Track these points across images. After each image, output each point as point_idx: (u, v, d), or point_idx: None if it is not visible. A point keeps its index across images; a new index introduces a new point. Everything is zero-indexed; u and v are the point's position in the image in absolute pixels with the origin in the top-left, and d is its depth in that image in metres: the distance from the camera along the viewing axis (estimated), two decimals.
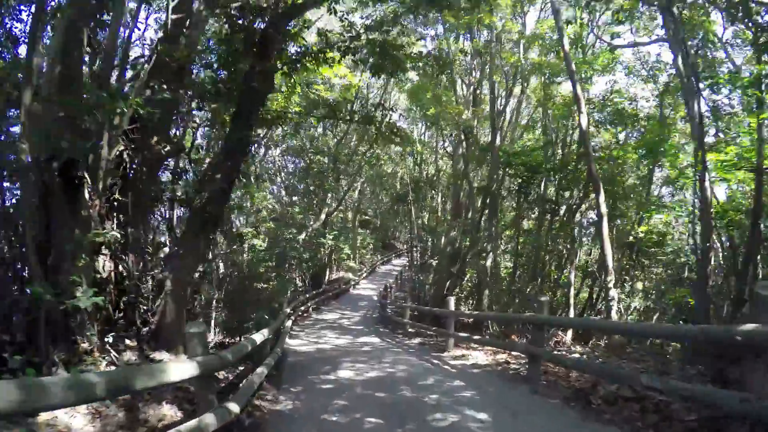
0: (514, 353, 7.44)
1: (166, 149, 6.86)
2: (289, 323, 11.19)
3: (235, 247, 11.09)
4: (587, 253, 17.27)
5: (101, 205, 5.28)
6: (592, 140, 14.42)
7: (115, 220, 5.38)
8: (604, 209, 8.34)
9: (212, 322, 11.14)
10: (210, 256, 11.50)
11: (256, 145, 18.03)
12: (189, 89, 6.05)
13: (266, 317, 10.44)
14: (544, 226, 14.39)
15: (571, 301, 14.29)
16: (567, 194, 14.83)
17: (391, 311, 15.51)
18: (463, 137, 13.59)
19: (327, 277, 26.63)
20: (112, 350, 4.56)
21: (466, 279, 16.31)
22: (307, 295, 17.74)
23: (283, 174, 22.30)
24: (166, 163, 8.08)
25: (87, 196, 4.86)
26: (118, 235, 5.07)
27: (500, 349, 7.34)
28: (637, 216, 12.32)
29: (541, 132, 16.19)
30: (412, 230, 27.80)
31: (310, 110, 8.66)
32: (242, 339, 6.54)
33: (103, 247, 5.25)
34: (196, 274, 10.68)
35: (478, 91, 15.47)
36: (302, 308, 15.79)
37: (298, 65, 6.40)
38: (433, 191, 25.77)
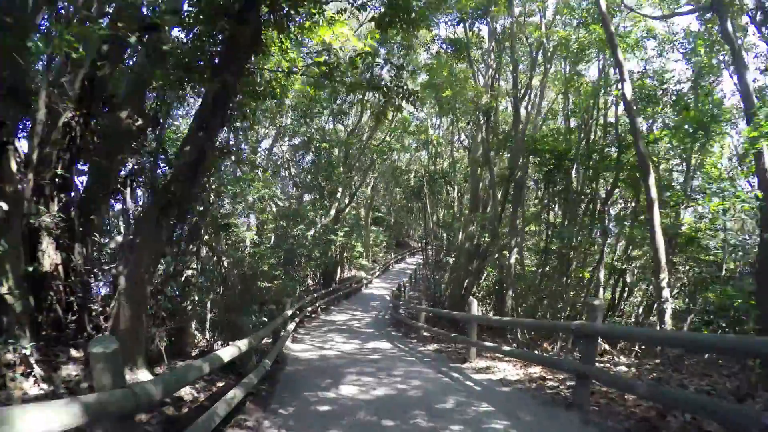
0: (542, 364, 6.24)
1: (137, 123, 5.82)
2: (291, 326, 10.14)
3: (225, 241, 9.97)
4: (611, 250, 15.90)
5: (42, 182, 4.26)
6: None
7: (57, 201, 4.35)
8: (654, 193, 7.06)
9: (207, 324, 10.18)
10: (205, 250, 10.53)
11: (258, 133, 17.08)
12: (159, 50, 4.98)
13: (263, 319, 9.41)
14: (573, 218, 13.12)
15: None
16: (594, 184, 13.60)
17: (405, 312, 14.36)
18: (482, 120, 12.36)
19: (338, 276, 25.62)
20: (35, 364, 3.51)
21: (483, 278, 15.08)
22: (316, 295, 16.68)
23: (292, 168, 21.27)
24: (145, 144, 7.08)
25: (15, 167, 3.83)
26: (58, 219, 4.02)
27: (535, 362, 6.09)
28: (683, 207, 10.93)
29: (563, 119, 14.92)
30: (426, 226, 26.66)
31: (307, 70, 7.49)
32: (201, 357, 5.44)
33: (44, 233, 4.22)
34: (189, 271, 9.75)
35: (497, 75, 14.21)
36: (309, 309, 14.74)
37: (291, 20, 5.31)
38: (449, 186, 24.54)
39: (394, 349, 9.11)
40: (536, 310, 10.59)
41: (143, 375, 4.33)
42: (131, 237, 4.60)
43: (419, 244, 52.05)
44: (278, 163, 19.64)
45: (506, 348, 6.30)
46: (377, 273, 32.01)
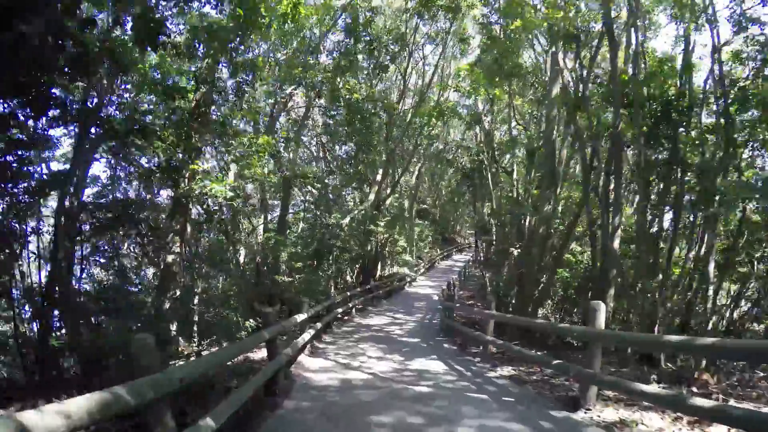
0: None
1: None
2: (307, 335, 7.46)
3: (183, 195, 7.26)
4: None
5: None
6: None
7: None
8: None
9: (194, 327, 7.70)
10: (189, 230, 8.05)
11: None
12: None
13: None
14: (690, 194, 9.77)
15: (708, 305, 9.68)
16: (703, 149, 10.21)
17: (458, 316, 11.41)
18: (562, 60, 9.11)
19: (378, 272, 22.93)
20: None
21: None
22: (349, 293, 14.01)
23: (324, 141, 18.39)
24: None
25: None
26: None
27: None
28: None
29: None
30: (479, 215, 23.58)
31: None
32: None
33: None
34: (170, 256, 7.26)
35: None
36: (341, 310, 12.07)
37: None
38: (504, 172, 21.14)
39: (452, 374, 6.18)
40: (653, 317, 7.31)
41: None
42: None
43: (467, 240, 48.47)
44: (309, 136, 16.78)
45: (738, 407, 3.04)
46: (422, 270, 29.06)
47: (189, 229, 7.68)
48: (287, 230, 15.55)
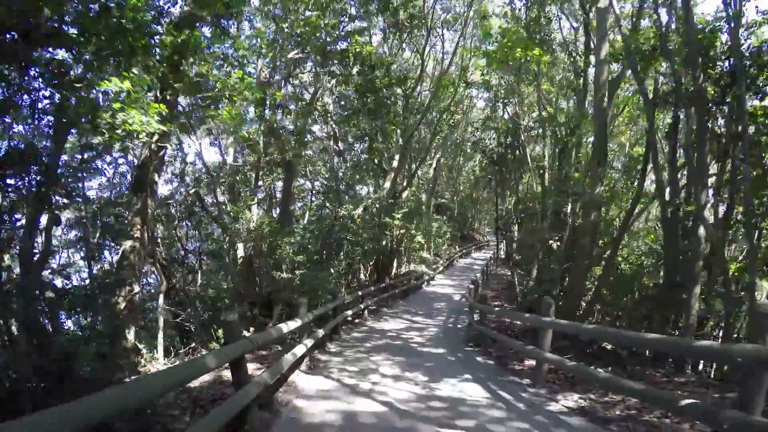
0: None
1: None
2: (302, 348, 5.82)
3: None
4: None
5: None
6: None
7: None
8: None
9: (159, 333, 6.05)
10: (152, 207, 6.45)
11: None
12: None
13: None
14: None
15: None
16: None
17: (487, 320, 9.64)
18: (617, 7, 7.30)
19: (394, 270, 21.25)
20: None
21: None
22: (361, 293, 12.36)
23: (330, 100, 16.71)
24: None
25: None
26: None
27: None
28: None
29: None
30: (506, 205, 21.78)
31: None
32: None
33: None
34: (128, 243, 5.65)
35: None
36: (350, 312, 10.43)
37: None
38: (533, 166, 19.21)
39: (498, 406, 4.45)
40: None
41: None
42: None
43: (486, 238, 46.38)
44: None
45: None
46: (440, 268, 27.25)
47: (152, 207, 6.12)
48: (292, 221, 13.96)
